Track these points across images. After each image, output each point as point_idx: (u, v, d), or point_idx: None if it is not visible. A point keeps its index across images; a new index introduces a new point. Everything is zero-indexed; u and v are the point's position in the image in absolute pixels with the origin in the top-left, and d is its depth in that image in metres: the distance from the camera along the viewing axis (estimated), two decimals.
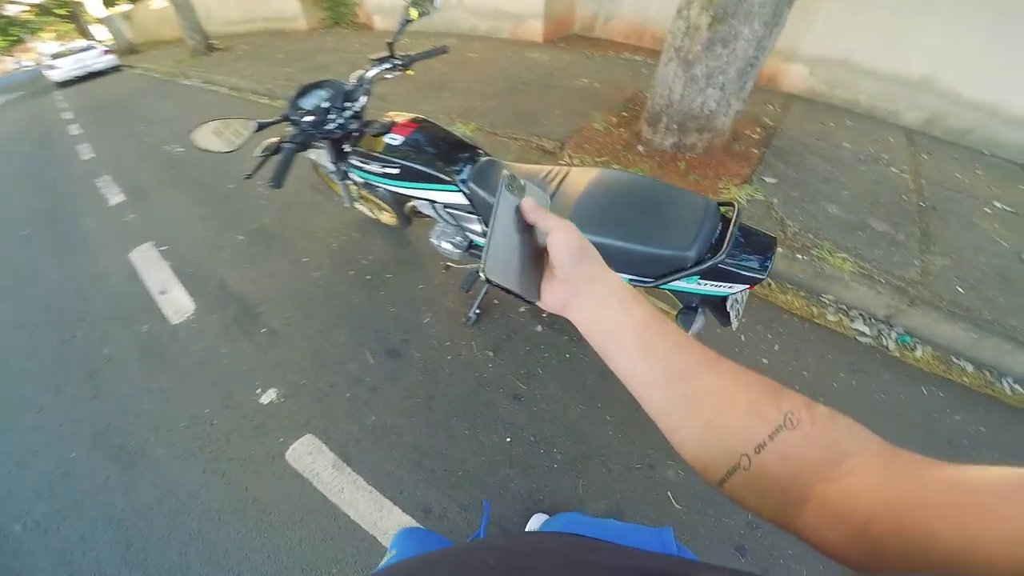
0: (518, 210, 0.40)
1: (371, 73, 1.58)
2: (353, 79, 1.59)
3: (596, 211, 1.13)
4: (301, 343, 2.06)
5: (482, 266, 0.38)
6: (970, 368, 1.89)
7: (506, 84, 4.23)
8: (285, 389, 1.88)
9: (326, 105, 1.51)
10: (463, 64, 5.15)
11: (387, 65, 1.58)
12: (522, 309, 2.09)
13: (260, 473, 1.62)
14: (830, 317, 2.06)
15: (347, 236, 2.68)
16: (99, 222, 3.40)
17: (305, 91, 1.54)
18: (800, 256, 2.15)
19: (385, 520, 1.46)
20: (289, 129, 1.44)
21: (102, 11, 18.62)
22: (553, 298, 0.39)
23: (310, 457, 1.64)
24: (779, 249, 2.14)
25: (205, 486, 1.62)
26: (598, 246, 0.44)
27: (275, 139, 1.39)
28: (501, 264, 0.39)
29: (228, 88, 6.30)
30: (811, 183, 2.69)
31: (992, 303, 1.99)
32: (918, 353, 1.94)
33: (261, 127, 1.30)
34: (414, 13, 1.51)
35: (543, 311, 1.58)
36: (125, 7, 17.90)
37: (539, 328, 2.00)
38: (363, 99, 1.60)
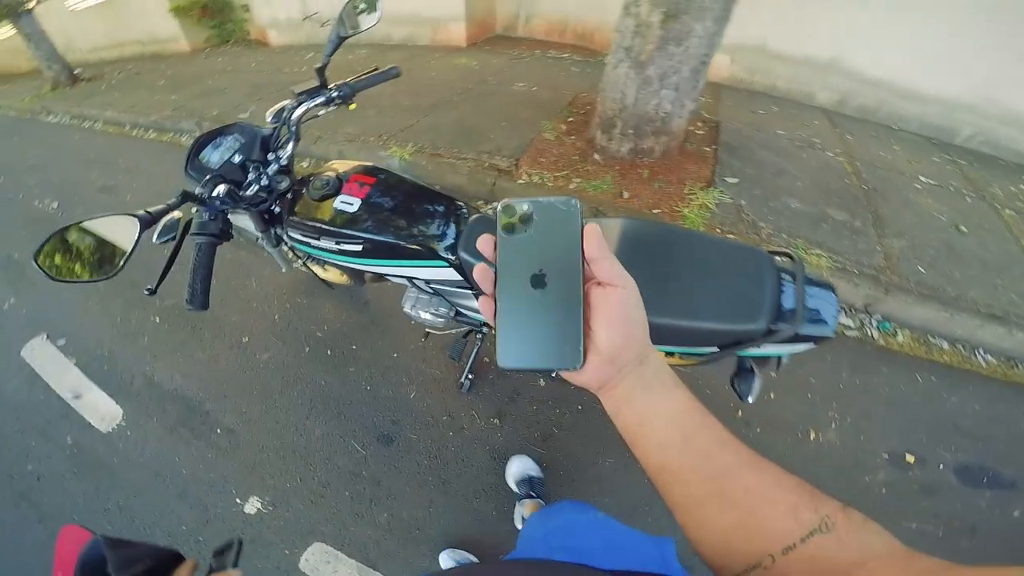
0: (528, 246, 0.32)
1: (299, 111, 1.14)
2: (269, 119, 1.19)
3: (637, 279, 0.96)
4: (270, 441, 1.75)
5: (497, 356, 0.32)
6: (946, 346, 2.00)
7: (439, 96, 3.94)
8: (270, 496, 1.60)
9: (238, 160, 1.09)
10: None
11: (319, 99, 1.15)
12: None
13: None
14: None
15: (290, 303, 2.30)
16: None
17: (203, 144, 1.13)
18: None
19: None
20: (195, 211, 0.95)
21: None
22: (592, 375, 0.33)
23: (328, 566, 1.44)
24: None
25: None
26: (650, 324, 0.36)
27: (176, 215, 0.90)
28: (521, 343, 0.32)
29: (103, 123, 5.37)
30: (767, 178, 2.75)
31: (951, 279, 2.12)
32: (899, 339, 2.02)
33: (146, 223, 0.78)
34: (343, 30, 1.13)
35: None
36: None
37: (542, 383, 1.84)
38: (290, 146, 1.16)
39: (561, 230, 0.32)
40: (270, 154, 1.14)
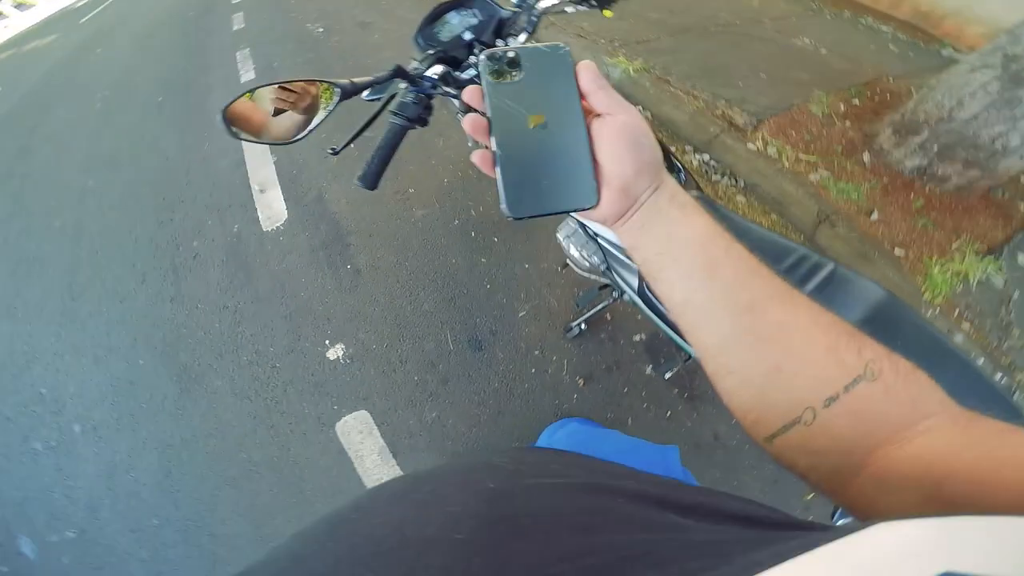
0: (520, 91, 0.31)
1: (548, 2, 0.96)
2: (514, 0, 1.00)
3: None
4: (383, 296, 1.81)
5: (501, 205, 0.31)
6: None
7: (695, 20, 3.31)
8: (354, 348, 1.68)
9: (468, 37, 0.94)
10: None
11: None
12: (637, 338, 1.64)
13: (307, 437, 1.52)
14: None
15: (462, 174, 2.26)
16: (227, 98, 3.34)
17: (441, 11, 0.98)
18: (1000, 375, 1.55)
19: None
20: (403, 88, 0.82)
21: None
22: (607, 209, 0.31)
23: (359, 436, 1.50)
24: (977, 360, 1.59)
25: (252, 434, 1.56)
26: None
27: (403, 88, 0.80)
28: (527, 189, 0.31)
29: None
30: None
31: None
32: None
33: (347, 93, 0.69)
34: None
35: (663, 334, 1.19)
36: None
37: (648, 370, 1.58)
38: (523, 36, 0.98)
39: (553, 72, 0.31)
40: (499, 40, 0.97)
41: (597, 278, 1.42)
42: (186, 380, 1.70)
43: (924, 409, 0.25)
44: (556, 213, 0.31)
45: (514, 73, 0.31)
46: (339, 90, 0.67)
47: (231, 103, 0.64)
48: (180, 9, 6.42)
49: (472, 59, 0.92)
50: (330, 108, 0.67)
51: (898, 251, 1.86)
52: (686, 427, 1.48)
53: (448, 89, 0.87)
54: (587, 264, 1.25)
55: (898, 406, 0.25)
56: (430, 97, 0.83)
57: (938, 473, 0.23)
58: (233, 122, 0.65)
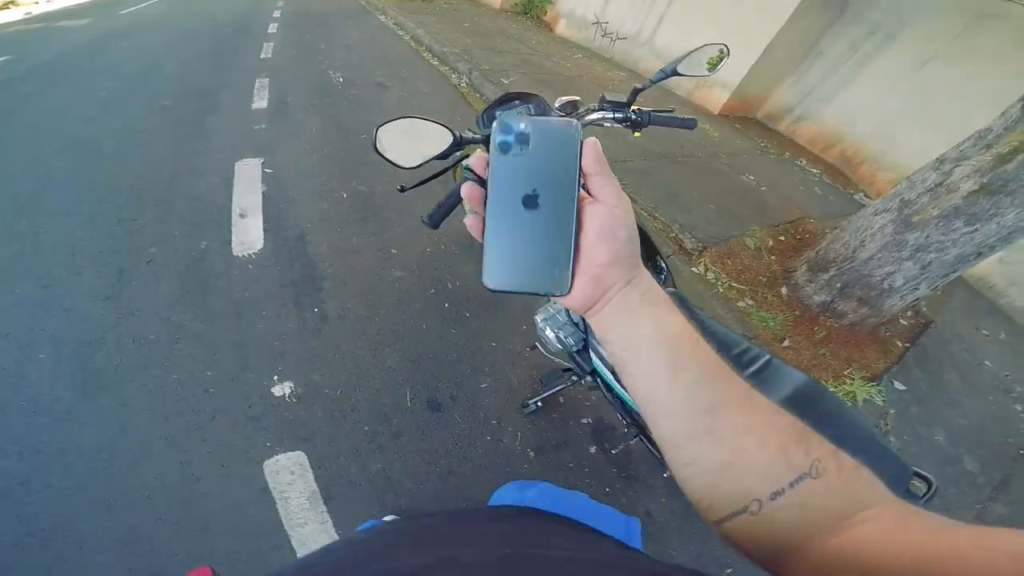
0: (523, 165, 0.31)
1: (594, 116, 1.14)
2: (556, 105, 1.22)
3: None
4: (347, 345, 1.87)
5: (482, 272, 0.32)
6: None
7: (666, 149, 3.84)
8: (304, 389, 1.69)
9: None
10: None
11: (618, 114, 1.13)
12: (585, 421, 1.78)
13: (226, 469, 1.45)
14: None
15: (445, 247, 2.44)
16: (233, 120, 3.50)
17: (506, 99, 1.16)
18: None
19: None
20: (479, 153, 0.99)
21: None
22: (578, 296, 0.32)
23: (290, 476, 1.46)
24: None
25: (156, 456, 1.45)
26: None
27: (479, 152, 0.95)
28: (508, 265, 0.32)
29: (410, 36, 6.47)
30: (936, 402, 2.29)
31: None
32: None
33: (457, 142, 0.81)
34: (683, 68, 1.09)
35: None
36: None
37: (593, 450, 1.71)
38: None
39: (559, 151, 0.31)
40: None
41: (561, 361, 1.59)
42: (93, 384, 1.59)
43: (864, 502, 0.27)
44: (529, 294, 0.32)
45: (521, 146, 0.31)
46: (453, 136, 0.76)
47: (387, 122, 0.74)
48: (219, 24, 6.71)
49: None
50: (445, 148, 0.76)
51: (806, 373, 2.19)
52: (621, 503, 1.58)
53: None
54: (559, 347, 1.36)
55: (839, 500, 0.28)
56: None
57: (868, 563, 0.25)
58: (381, 138, 0.74)
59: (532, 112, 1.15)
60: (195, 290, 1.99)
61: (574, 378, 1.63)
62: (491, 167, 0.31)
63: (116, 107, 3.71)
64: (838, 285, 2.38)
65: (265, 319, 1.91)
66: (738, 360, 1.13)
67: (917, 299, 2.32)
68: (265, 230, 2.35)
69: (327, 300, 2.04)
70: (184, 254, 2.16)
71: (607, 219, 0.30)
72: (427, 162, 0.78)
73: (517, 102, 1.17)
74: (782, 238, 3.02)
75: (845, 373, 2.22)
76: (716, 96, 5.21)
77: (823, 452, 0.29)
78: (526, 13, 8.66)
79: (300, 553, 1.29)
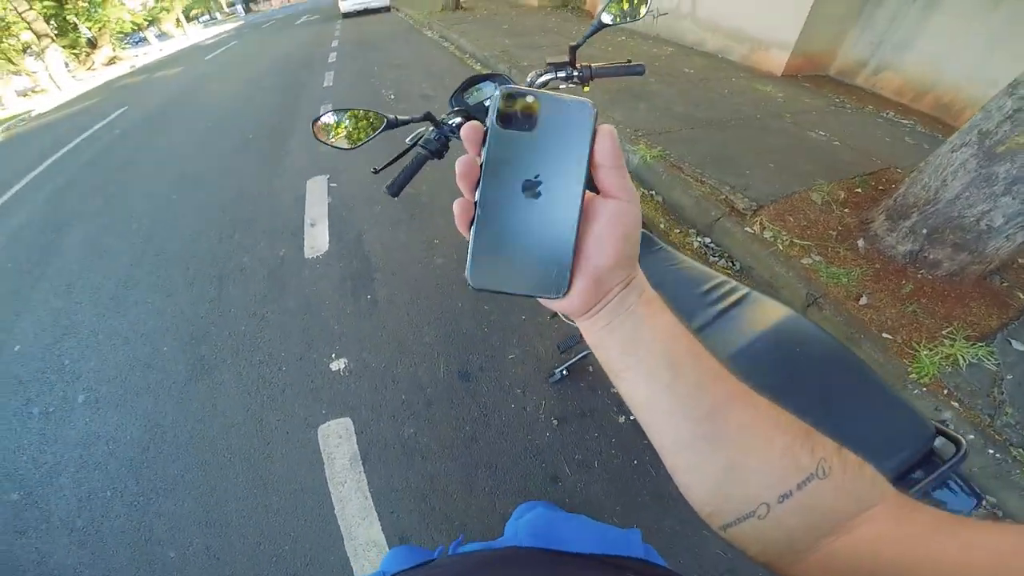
0: (525, 145, 0.27)
1: (542, 79, 1.28)
2: (528, 79, 1.32)
3: (772, 372, 0.88)
4: (392, 324, 2.05)
5: (466, 267, 0.27)
6: None
7: (717, 114, 3.62)
8: (355, 364, 1.89)
9: (487, 104, 1.25)
10: (675, 78, 4.58)
11: (561, 73, 1.27)
12: (614, 390, 1.72)
13: (289, 436, 1.68)
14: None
15: None
16: (303, 144, 3.99)
17: (470, 84, 1.27)
18: (991, 451, 1.54)
19: (362, 530, 1.41)
20: (429, 130, 1.17)
21: None
22: (576, 299, 0.29)
23: (337, 440, 1.65)
24: (968, 437, 1.59)
25: (240, 425, 1.72)
26: None
27: (420, 128, 1.16)
28: (498, 262, 0.28)
29: (455, 47, 6.80)
30: None
31: None
32: None
33: (392, 126, 1.04)
34: (607, 17, 1.20)
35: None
36: None
37: (621, 420, 1.66)
38: None
39: (569, 132, 0.27)
40: None
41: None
42: (198, 370, 1.94)
43: (867, 500, 0.27)
44: (520, 295, 0.29)
45: (526, 122, 0.27)
46: (386, 120, 0.98)
47: (319, 117, 0.95)
48: (287, 60, 7.68)
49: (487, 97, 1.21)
50: (378, 132, 0.98)
51: (886, 335, 1.88)
52: (651, 477, 1.52)
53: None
54: None
55: (845, 500, 0.27)
56: (447, 138, 1.15)
57: (871, 564, 0.25)
58: (317, 130, 0.96)
59: (496, 88, 1.22)
60: (275, 289, 2.34)
61: None
62: (487, 144, 0.27)
63: (211, 144, 4.45)
64: (924, 231, 2.06)
65: (328, 307, 2.18)
66: (708, 295, 1.05)
67: None
68: (331, 235, 2.67)
69: (378, 288, 2.26)
70: (267, 261, 2.55)
71: (617, 217, 0.27)
72: (366, 142, 0.97)
73: (483, 81, 1.24)
74: (859, 190, 2.68)
75: (943, 333, 1.87)
76: (775, 57, 4.79)
77: (828, 451, 0.28)
78: (565, 6, 8.65)
79: (337, 509, 1.45)
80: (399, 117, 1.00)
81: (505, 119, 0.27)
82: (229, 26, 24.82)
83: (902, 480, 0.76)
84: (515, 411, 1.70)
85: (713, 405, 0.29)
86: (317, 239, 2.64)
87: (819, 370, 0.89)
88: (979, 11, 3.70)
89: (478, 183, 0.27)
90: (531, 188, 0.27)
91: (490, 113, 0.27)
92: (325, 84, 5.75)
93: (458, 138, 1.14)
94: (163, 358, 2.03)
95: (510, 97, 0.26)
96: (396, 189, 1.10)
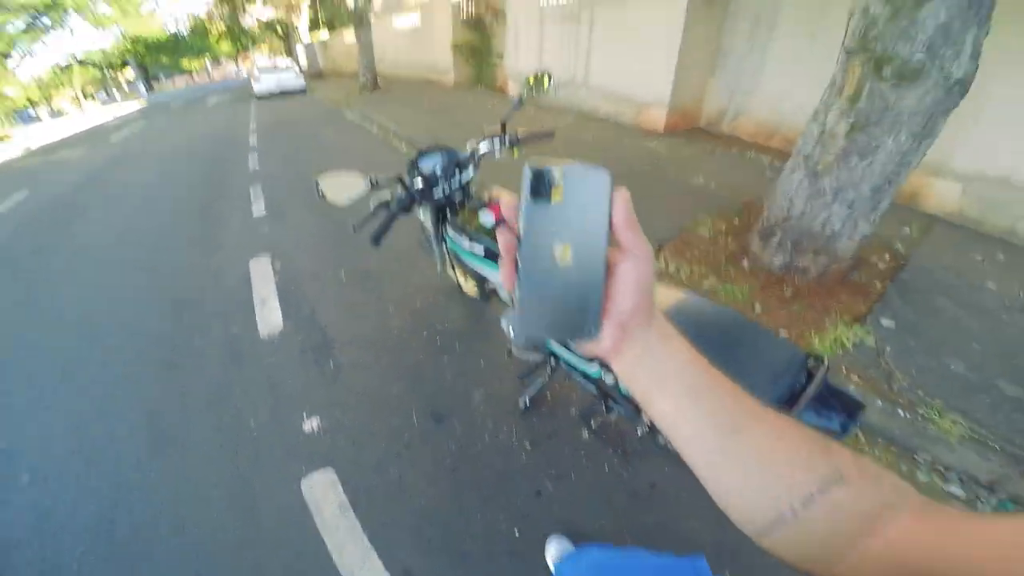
0: (554, 214, 0.30)
1: (483, 149, 1.62)
2: (468, 148, 1.66)
3: None
4: (360, 385, 2.17)
5: (511, 323, 0.42)
6: None
7: (616, 171, 4.17)
8: (328, 423, 1.99)
9: (439, 172, 1.58)
10: (575, 145, 5.29)
11: (496, 141, 1.62)
12: (572, 411, 1.98)
13: (273, 492, 1.73)
14: (921, 477, 1.74)
15: (432, 298, 2.80)
16: (240, 227, 4.07)
17: (424, 154, 1.62)
18: (902, 413, 1.85)
19: (366, 571, 1.46)
20: (398, 190, 1.51)
21: (307, 38, 23.23)
22: (607, 342, 0.33)
23: (322, 490, 1.71)
24: (877, 405, 1.88)
25: (225, 485, 1.76)
26: None
27: (388, 198, 1.49)
28: (539, 313, 0.31)
29: (377, 127, 7.19)
30: (933, 331, 2.26)
31: None
32: None
33: (375, 186, 1.39)
34: (523, 94, 1.60)
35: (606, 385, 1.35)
36: (325, 35, 21.93)
37: (586, 435, 1.88)
38: (472, 172, 1.65)
39: (590, 199, 0.30)
40: (458, 172, 1.64)
41: (533, 357, 1.82)
42: (164, 444, 1.97)
43: (887, 502, 0.29)
44: (559, 339, 0.33)
45: (553, 193, 0.30)
46: (369, 181, 1.37)
47: (321, 175, 1.35)
48: (203, 141, 7.56)
49: (441, 183, 1.57)
50: (362, 192, 1.38)
51: (783, 332, 2.26)
52: (623, 478, 1.70)
53: (426, 198, 1.58)
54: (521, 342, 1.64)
55: (868, 503, 0.29)
56: (413, 199, 1.50)
57: (900, 561, 0.27)
58: (321, 189, 1.34)
59: (446, 159, 1.58)
60: (231, 372, 2.36)
61: (550, 368, 1.81)
62: (524, 216, 0.30)
63: (139, 230, 4.35)
64: (789, 244, 2.54)
65: (293, 377, 2.27)
66: None
67: (865, 235, 2.43)
68: (283, 313, 2.76)
69: (340, 355, 2.37)
70: (221, 341, 2.59)
71: (635, 269, 0.31)
72: (357, 200, 1.36)
73: (434, 152, 1.62)
74: (736, 221, 3.29)
75: (826, 323, 2.28)
76: (655, 116, 5.66)
77: (845, 458, 0.31)
78: (479, 83, 9.55)
79: (335, 557, 1.51)
80: (376, 177, 1.41)
81: (536, 192, 0.30)
82: (132, 105, 23.74)
83: (793, 403, 0.95)
84: (489, 441, 1.87)
85: (734, 423, 0.32)
86: (270, 319, 2.71)
87: (717, 334, 1.07)
88: (800, 50, 4.46)
89: (517, 250, 0.31)
90: (562, 249, 0.30)
91: (523, 189, 0.30)
92: (251, 167, 5.85)
93: (421, 198, 1.56)
94: (122, 437, 2.02)
95: (538, 173, 0.29)
96: (375, 241, 1.37)
